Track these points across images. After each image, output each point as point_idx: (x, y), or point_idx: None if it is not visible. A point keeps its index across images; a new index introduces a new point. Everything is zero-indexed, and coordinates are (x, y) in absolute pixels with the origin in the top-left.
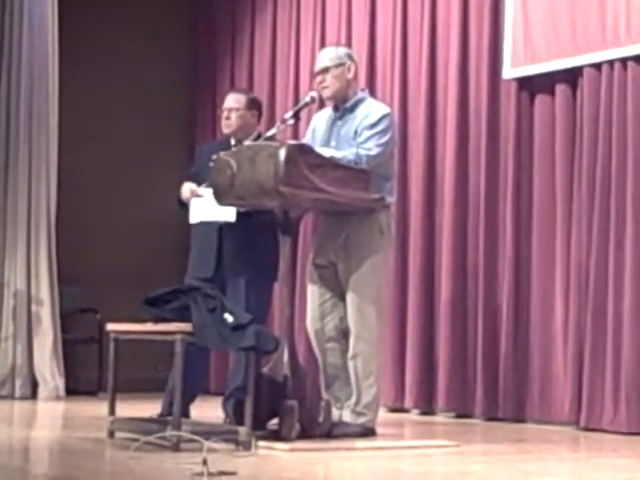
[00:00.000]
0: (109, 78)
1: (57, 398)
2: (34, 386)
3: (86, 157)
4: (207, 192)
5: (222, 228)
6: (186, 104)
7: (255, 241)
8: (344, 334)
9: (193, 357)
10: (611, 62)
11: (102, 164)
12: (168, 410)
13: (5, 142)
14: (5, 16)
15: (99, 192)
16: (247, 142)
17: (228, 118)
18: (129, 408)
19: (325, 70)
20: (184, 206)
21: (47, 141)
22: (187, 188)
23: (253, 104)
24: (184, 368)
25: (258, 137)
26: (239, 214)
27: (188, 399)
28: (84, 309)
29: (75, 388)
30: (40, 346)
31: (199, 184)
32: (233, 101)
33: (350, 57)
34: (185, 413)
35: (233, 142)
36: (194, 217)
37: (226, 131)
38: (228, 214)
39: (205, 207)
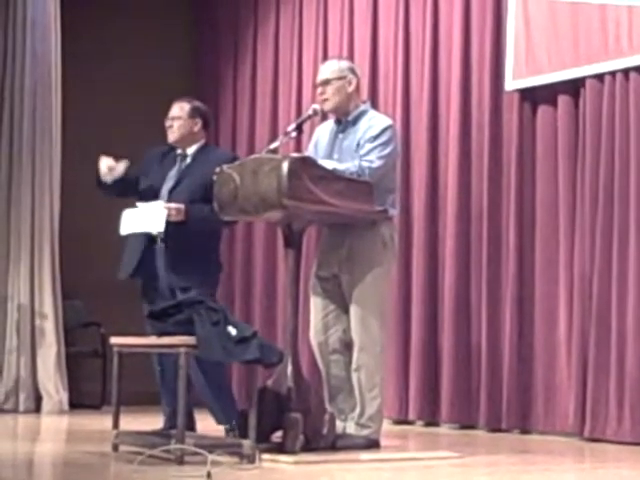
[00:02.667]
0: (112, 92)
1: (61, 412)
2: (38, 400)
3: (89, 170)
4: (140, 203)
5: (152, 238)
6: None
7: (188, 252)
8: (347, 346)
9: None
10: (613, 73)
11: None
12: (169, 424)
13: (9, 155)
14: (8, 25)
15: (102, 205)
16: (191, 150)
17: (171, 127)
18: (133, 421)
19: (325, 82)
20: (102, 185)
21: (50, 154)
22: (104, 162)
23: (196, 112)
24: (173, 381)
25: (205, 146)
26: (169, 224)
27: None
28: (87, 323)
29: (79, 402)
30: (44, 360)
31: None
32: (177, 109)
33: (352, 71)
34: (190, 427)
35: (179, 151)
36: (124, 228)
37: (170, 139)
38: (157, 225)
39: (136, 217)
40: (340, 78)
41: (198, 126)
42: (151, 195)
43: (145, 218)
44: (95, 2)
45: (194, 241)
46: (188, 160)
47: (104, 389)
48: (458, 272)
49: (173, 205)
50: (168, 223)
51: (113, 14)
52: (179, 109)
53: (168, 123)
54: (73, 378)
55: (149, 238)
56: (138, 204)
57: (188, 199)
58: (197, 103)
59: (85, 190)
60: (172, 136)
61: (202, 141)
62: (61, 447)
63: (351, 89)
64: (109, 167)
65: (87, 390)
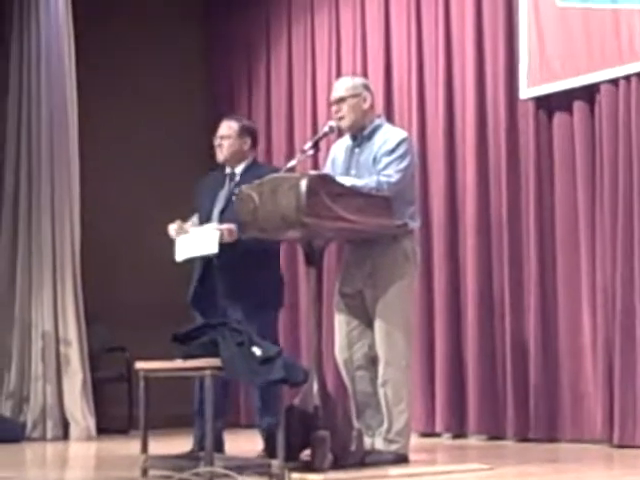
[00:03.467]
0: (128, 116)
1: (89, 438)
2: (65, 426)
3: (109, 195)
4: (193, 228)
5: (209, 261)
6: (205, 138)
7: (245, 270)
8: (373, 361)
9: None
10: (628, 77)
11: (125, 201)
12: (199, 446)
13: (27, 182)
14: (23, 54)
15: (123, 229)
16: (239, 168)
17: (220, 146)
18: (161, 445)
19: (341, 100)
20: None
21: (69, 180)
22: (171, 229)
23: (245, 131)
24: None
25: (253, 164)
26: (224, 244)
27: (219, 434)
28: (112, 348)
29: (106, 427)
30: (70, 386)
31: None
32: (226, 128)
33: (366, 87)
34: (219, 448)
35: (228, 170)
36: (179, 255)
37: (219, 158)
38: (210, 247)
39: (188, 243)
40: (355, 95)
41: (247, 145)
42: (204, 218)
43: (198, 242)
44: (109, 29)
45: (249, 260)
46: (237, 179)
47: (130, 413)
48: (480, 283)
49: (225, 226)
50: (222, 245)
51: (126, 40)
52: (228, 128)
53: (217, 142)
54: (99, 403)
55: (206, 262)
56: (190, 229)
57: None
58: (246, 121)
59: (105, 216)
60: (221, 155)
61: (250, 159)
62: (91, 473)
63: (366, 106)
64: (177, 231)
65: (114, 415)
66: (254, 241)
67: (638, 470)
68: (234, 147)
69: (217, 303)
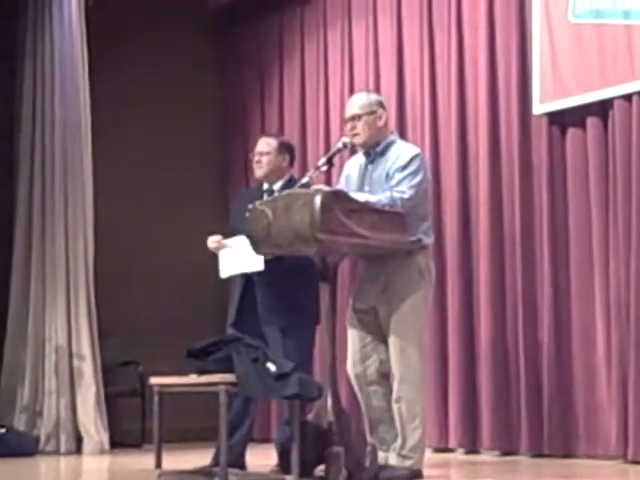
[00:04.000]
0: (141, 130)
1: (102, 452)
2: (79, 441)
3: (122, 210)
4: (235, 242)
5: (249, 278)
6: (218, 152)
7: (286, 287)
8: (385, 376)
9: (242, 406)
10: None
11: (138, 215)
12: (216, 461)
13: (41, 197)
14: (37, 70)
15: (135, 244)
16: (277, 185)
17: (259, 162)
18: (174, 460)
19: (356, 117)
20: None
21: (83, 194)
22: (210, 242)
23: (284, 148)
24: (232, 419)
25: (290, 181)
26: (268, 261)
27: (241, 449)
28: (125, 362)
29: (119, 441)
30: (83, 400)
31: (234, 233)
32: (264, 145)
33: (381, 105)
34: (240, 463)
35: (266, 186)
36: (224, 271)
37: (258, 175)
38: (256, 264)
39: (233, 259)
40: (370, 113)
41: (286, 162)
42: (241, 234)
43: (243, 257)
44: (122, 43)
45: (290, 277)
46: (275, 195)
47: (144, 427)
48: (493, 298)
49: None
50: (266, 261)
51: (140, 55)
52: (266, 145)
53: (256, 158)
54: (113, 417)
55: (246, 281)
56: (232, 243)
57: None
58: (284, 139)
59: (118, 231)
60: (260, 171)
61: (288, 176)
62: None
63: (381, 123)
64: (216, 244)
65: (127, 429)
66: (295, 258)
67: None
68: (273, 164)
69: (255, 321)
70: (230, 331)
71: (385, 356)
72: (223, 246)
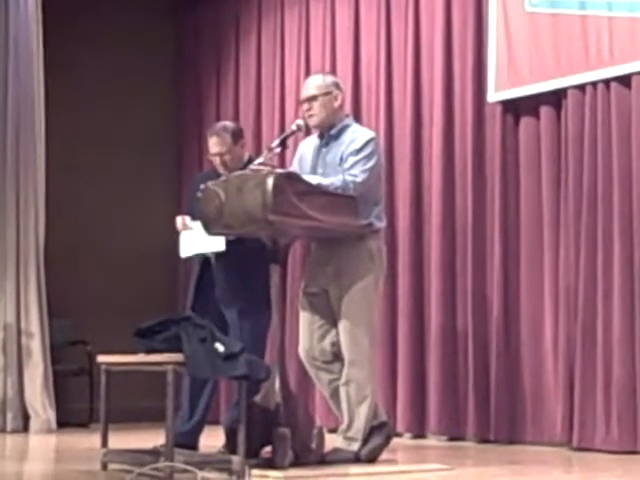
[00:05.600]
0: (95, 112)
1: (49, 431)
2: (25, 419)
3: (74, 189)
4: (197, 224)
5: (207, 260)
6: (173, 135)
7: (245, 269)
8: (338, 357)
9: (198, 388)
10: (594, 83)
11: (91, 196)
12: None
13: None
14: None
15: (88, 224)
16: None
17: (224, 163)
18: (121, 439)
19: (312, 98)
20: None
21: (35, 174)
22: (179, 220)
23: (237, 136)
24: (190, 400)
25: (249, 161)
26: (229, 242)
27: (197, 431)
28: (74, 341)
29: (66, 420)
30: (31, 379)
31: (192, 216)
32: (220, 145)
33: (337, 86)
34: (194, 445)
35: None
36: (184, 251)
37: (224, 172)
38: (217, 244)
39: (194, 240)
40: (326, 94)
41: (242, 146)
42: None
43: (204, 238)
44: (76, 24)
45: (250, 260)
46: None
47: (92, 407)
48: (444, 284)
49: None
50: (227, 243)
51: (94, 34)
52: (221, 144)
53: (218, 161)
54: (60, 396)
55: (203, 263)
56: (193, 224)
57: None
58: (232, 127)
59: (70, 211)
60: (227, 170)
61: (247, 157)
62: (50, 466)
63: (337, 104)
64: (183, 223)
65: (74, 408)
66: (254, 241)
67: (596, 473)
68: (235, 155)
69: (213, 303)
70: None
71: (337, 338)
72: (188, 228)
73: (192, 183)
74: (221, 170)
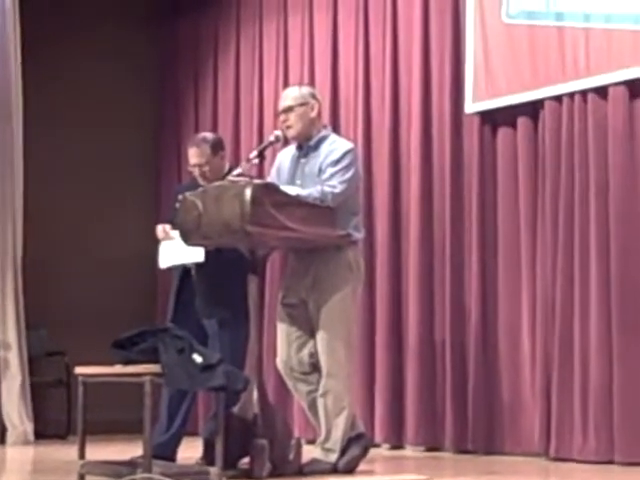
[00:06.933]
0: (74, 120)
1: (26, 442)
2: (3, 431)
3: (52, 199)
4: (177, 234)
5: (186, 271)
6: (151, 145)
7: (225, 280)
8: (315, 368)
9: (176, 400)
10: (571, 94)
11: (68, 206)
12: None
13: None
14: None
15: (66, 234)
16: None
17: (203, 174)
18: (99, 451)
19: (288, 109)
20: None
21: (12, 184)
22: (160, 229)
23: (216, 147)
24: (169, 411)
25: (229, 171)
26: (208, 253)
27: (175, 443)
28: (52, 352)
29: (44, 432)
30: (8, 390)
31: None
32: (199, 156)
33: (313, 96)
34: (172, 457)
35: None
36: (163, 262)
37: (203, 183)
38: (196, 255)
39: (173, 250)
40: (302, 104)
41: (222, 158)
42: None
43: (183, 249)
44: (56, 38)
45: (229, 271)
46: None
47: (69, 418)
48: (422, 294)
49: None
50: (206, 254)
51: (75, 47)
52: (200, 155)
53: (197, 172)
54: (38, 408)
55: (183, 274)
56: (173, 234)
57: None
58: (212, 138)
59: (47, 222)
60: (206, 181)
61: (226, 168)
62: (27, 478)
63: (313, 114)
64: (165, 232)
65: (52, 420)
66: (234, 251)
67: None
68: (214, 166)
69: (193, 315)
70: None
71: (315, 349)
72: (169, 237)
73: (173, 194)
74: (200, 181)
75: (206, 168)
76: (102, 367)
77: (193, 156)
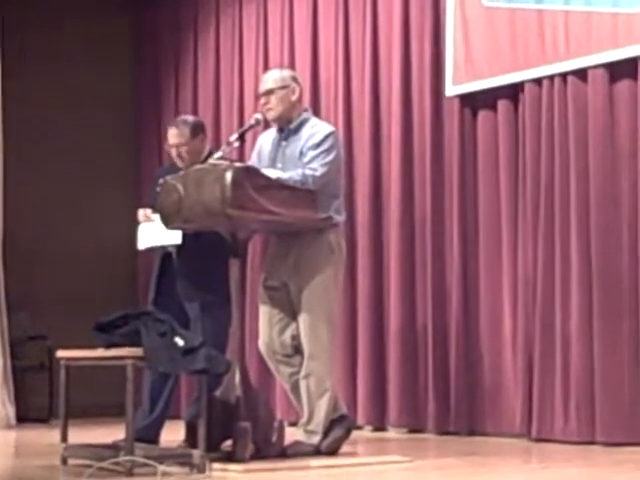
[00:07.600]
0: (53, 107)
1: (8, 426)
2: None
3: (32, 183)
4: (157, 217)
5: (168, 254)
6: (131, 129)
7: (207, 263)
8: (297, 350)
9: (159, 383)
10: (551, 77)
11: (49, 190)
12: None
13: None
14: None
15: (47, 218)
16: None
17: (179, 155)
18: (81, 434)
19: (269, 92)
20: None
21: None
22: (141, 213)
23: (196, 130)
24: (151, 394)
25: (209, 154)
26: (186, 236)
27: (158, 426)
28: (33, 336)
29: (26, 415)
30: None
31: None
32: (178, 137)
33: (294, 79)
34: (155, 440)
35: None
36: (141, 243)
37: (180, 165)
38: (174, 237)
39: (151, 232)
40: (283, 87)
41: (202, 141)
42: None
43: (161, 231)
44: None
45: (209, 253)
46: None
47: (51, 402)
48: (403, 276)
49: None
50: (184, 236)
51: (50, 28)
52: (179, 136)
53: (174, 152)
54: (20, 392)
55: (164, 257)
56: (153, 217)
57: None
58: (193, 120)
59: (28, 206)
60: (184, 163)
61: (207, 151)
62: (9, 462)
63: (294, 98)
64: (145, 216)
65: (34, 403)
66: (215, 234)
67: (555, 464)
68: (193, 148)
69: (175, 298)
70: (149, 308)
71: (297, 332)
72: (150, 220)
73: (153, 178)
74: (178, 162)
75: (183, 149)
76: (84, 350)
77: (172, 136)
